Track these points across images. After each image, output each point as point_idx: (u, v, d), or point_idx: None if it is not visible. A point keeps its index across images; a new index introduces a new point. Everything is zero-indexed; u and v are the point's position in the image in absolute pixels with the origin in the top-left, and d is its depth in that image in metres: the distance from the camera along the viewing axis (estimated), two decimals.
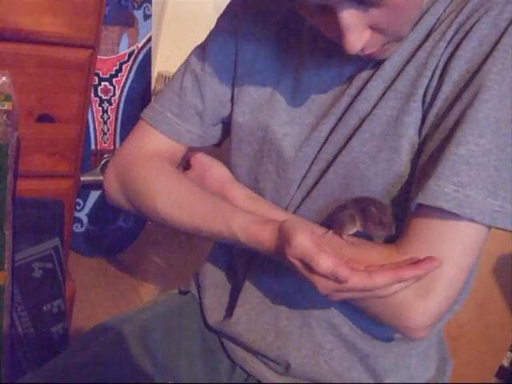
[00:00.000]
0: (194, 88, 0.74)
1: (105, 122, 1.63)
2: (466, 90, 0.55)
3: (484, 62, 0.55)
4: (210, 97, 0.73)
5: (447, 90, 0.57)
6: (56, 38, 1.11)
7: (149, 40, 1.65)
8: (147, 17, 1.62)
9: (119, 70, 1.61)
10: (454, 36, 0.57)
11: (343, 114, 0.63)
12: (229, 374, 0.77)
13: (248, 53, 0.71)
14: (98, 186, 1.62)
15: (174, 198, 0.68)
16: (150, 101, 1.66)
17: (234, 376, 0.77)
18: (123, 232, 1.82)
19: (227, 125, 0.76)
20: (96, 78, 1.55)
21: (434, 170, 0.54)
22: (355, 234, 0.59)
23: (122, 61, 1.60)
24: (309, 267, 0.51)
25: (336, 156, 0.63)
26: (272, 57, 0.70)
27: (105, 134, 1.64)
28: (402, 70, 0.60)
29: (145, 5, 1.60)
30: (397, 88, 0.60)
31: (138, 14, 1.60)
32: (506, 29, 0.55)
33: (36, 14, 1.06)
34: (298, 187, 0.67)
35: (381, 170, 0.60)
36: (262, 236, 0.58)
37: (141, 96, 1.67)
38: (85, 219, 1.71)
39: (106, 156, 1.64)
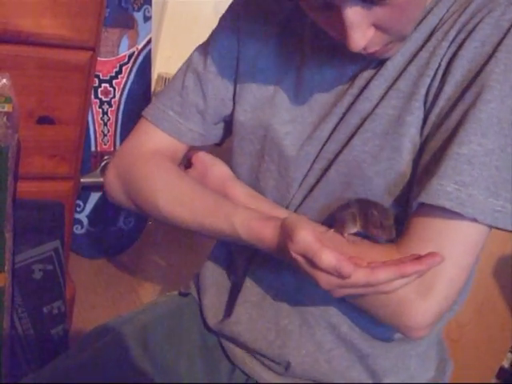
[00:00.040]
0: (195, 87, 0.74)
1: (105, 124, 1.63)
2: (469, 90, 0.55)
3: (487, 62, 0.55)
4: (212, 95, 0.73)
5: (449, 89, 0.57)
6: (56, 39, 1.11)
7: (149, 42, 1.65)
8: (147, 19, 1.62)
9: (119, 72, 1.61)
10: (456, 36, 0.58)
11: (345, 113, 0.63)
12: (229, 375, 0.77)
13: (250, 51, 0.71)
14: (98, 187, 1.62)
15: (175, 196, 0.68)
16: (150, 102, 1.65)
17: (234, 377, 0.76)
18: (123, 233, 1.82)
19: (229, 124, 0.76)
20: (96, 80, 1.55)
21: (437, 169, 0.55)
22: (356, 234, 0.59)
23: (122, 62, 1.61)
24: (311, 262, 0.51)
25: (337, 155, 0.63)
26: (274, 55, 0.70)
27: (105, 135, 1.64)
28: (405, 69, 0.60)
29: (145, 7, 1.61)
30: (399, 87, 0.60)
31: (138, 15, 1.60)
32: (508, 29, 0.55)
33: (36, 16, 1.07)
34: (300, 186, 0.67)
35: (382, 169, 0.60)
36: (264, 233, 0.58)
37: (141, 98, 1.67)
38: (85, 221, 1.72)
39: (106, 158, 1.64)
